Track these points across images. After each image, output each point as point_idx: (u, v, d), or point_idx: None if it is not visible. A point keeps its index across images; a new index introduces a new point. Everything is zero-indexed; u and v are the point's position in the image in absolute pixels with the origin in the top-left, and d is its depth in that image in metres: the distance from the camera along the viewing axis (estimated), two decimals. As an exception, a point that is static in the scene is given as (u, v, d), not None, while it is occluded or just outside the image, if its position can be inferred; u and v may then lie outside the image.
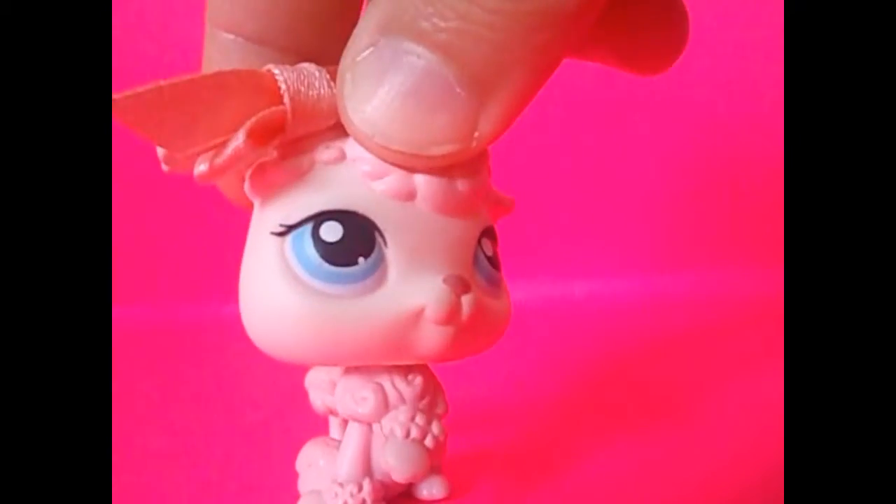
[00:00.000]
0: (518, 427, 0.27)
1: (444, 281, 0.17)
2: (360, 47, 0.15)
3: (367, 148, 0.16)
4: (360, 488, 0.19)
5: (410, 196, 0.16)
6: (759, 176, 0.50)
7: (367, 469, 0.19)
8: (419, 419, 0.19)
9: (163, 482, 0.24)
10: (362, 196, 0.16)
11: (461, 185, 0.17)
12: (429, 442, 0.19)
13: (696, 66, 0.49)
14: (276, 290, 0.16)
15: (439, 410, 0.20)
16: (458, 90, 0.15)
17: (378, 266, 0.16)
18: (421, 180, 0.16)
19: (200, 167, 0.16)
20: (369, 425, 0.19)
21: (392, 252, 0.17)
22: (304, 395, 0.22)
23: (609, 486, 0.23)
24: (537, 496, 0.22)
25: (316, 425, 0.23)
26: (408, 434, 0.19)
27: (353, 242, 0.16)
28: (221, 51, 0.18)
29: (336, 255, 0.16)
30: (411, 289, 0.17)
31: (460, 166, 0.16)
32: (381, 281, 0.17)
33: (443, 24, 0.14)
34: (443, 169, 0.16)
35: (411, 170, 0.16)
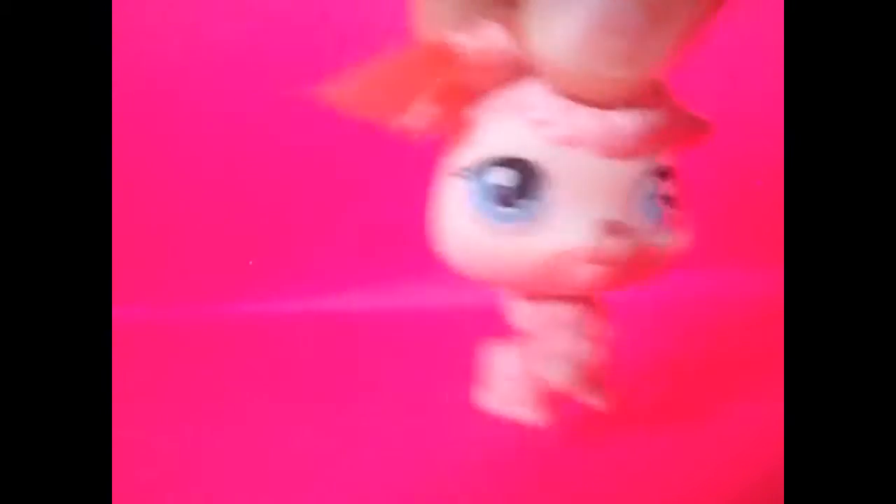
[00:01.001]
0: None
1: (598, 224, 0.18)
2: None
3: (551, 74, 0.17)
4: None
5: (576, 142, 0.18)
6: (758, 176, 0.50)
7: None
8: (580, 343, 0.21)
9: (163, 482, 0.24)
10: (530, 143, 0.18)
11: (626, 128, 0.18)
12: (587, 362, 0.21)
13: (696, 66, 0.49)
14: (456, 222, 0.19)
15: (598, 334, 0.21)
16: (635, 18, 0.16)
17: (539, 208, 0.18)
18: (586, 127, 0.18)
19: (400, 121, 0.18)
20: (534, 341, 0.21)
21: (553, 195, 0.18)
22: (304, 393, 0.22)
23: (608, 485, 0.23)
24: (535, 497, 0.22)
25: (309, 428, 0.23)
26: (569, 355, 0.20)
27: (519, 186, 0.18)
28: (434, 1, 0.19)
29: (503, 197, 0.18)
30: (567, 229, 0.18)
31: (626, 107, 0.18)
32: (541, 221, 0.18)
33: None
34: (615, 100, 0.18)
35: (591, 96, 0.17)
